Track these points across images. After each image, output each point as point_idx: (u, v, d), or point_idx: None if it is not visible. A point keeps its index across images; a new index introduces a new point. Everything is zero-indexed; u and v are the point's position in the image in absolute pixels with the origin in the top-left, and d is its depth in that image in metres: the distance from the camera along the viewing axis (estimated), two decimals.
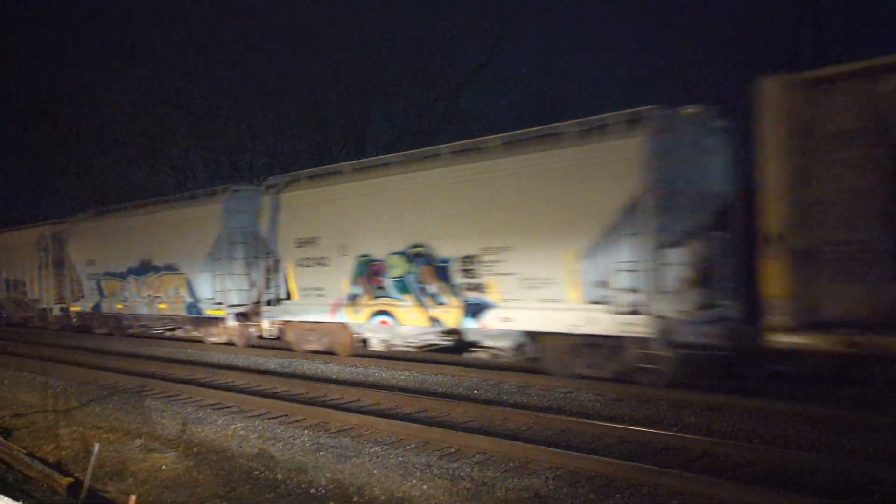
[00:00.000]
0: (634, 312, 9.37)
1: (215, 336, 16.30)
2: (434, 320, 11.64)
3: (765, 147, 8.20)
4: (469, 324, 11.18)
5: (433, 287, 11.61)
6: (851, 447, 6.94)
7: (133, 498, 5.53)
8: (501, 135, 11.20)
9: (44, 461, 7.33)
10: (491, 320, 10.84)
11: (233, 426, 8.57)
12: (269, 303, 14.41)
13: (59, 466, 7.21)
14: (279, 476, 6.70)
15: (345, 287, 12.86)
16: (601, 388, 9.77)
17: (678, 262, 9.54)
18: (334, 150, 29.96)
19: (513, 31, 31.39)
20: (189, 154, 33.16)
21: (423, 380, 11.27)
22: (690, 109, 10.01)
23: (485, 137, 11.40)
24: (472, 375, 11.24)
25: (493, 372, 11.22)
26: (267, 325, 14.62)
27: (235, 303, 15.19)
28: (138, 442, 8.05)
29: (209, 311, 15.76)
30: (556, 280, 10.11)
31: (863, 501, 5.68)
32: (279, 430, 8.31)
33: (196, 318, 16.51)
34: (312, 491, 6.30)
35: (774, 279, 7.97)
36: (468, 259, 11.03)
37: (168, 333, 18.98)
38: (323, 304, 13.26)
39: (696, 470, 6.31)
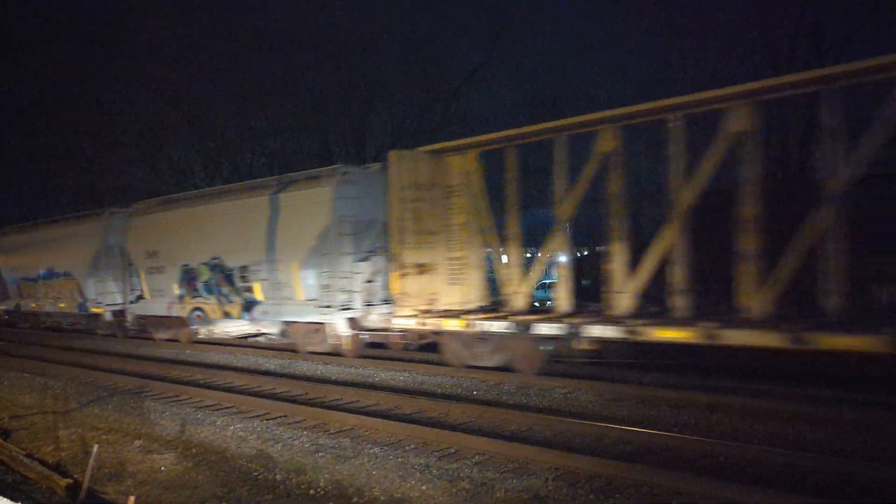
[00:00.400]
0: (328, 306, 13.04)
1: (100, 329, 19.79)
2: (227, 314, 15.43)
3: (391, 196, 11.86)
4: (246, 316, 15.02)
5: (225, 289, 15.26)
6: (851, 447, 6.93)
7: (132, 499, 5.53)
8: (270, 178, 15.58)
9: (43, 462, 7.33)
10: (258, 313, 14.70)
11: (232, 427, 8.56)
12: (132, 302, 18.09)
13: (58, 467, 7.21)
14: (278, 477, 6.69)
15: (175, 289, 16.52)
16: (601, 389, 9.77)
17: (364, 272, 13.12)
18: (334, 150, 29.95)
19: (512, 30, 31.41)
20: (188, 154, 33.16)
21: (423, 381, 11.27)
22: (374, 165, 13.85)
23: (261, 179, 15.94)
24: (471, 376, 11.23)
25: (492, 373, 11.22)
26: (130, 319, 18.43)
27: (111, 302, 18.89)
28: (137, 443, 8.05)
29: (93, 309, 19.36)
30: (290, 284, 13.77)
31: (863, 501, 5.67)
32: (278, 431, 8.30)
33: (86, 315, 20.00)
34: (311, 492, 6.30)
35: (394, 283, 11.87)
36: (244, 268, 14.71)
37: (69, 327, 21.66)
38: (164, 301, 16.93)
39: (695, 470, 6.31)
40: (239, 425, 8.62)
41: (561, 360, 11.45)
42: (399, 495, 6.09)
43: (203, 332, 17.05)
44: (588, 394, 9.68)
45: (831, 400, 8.44)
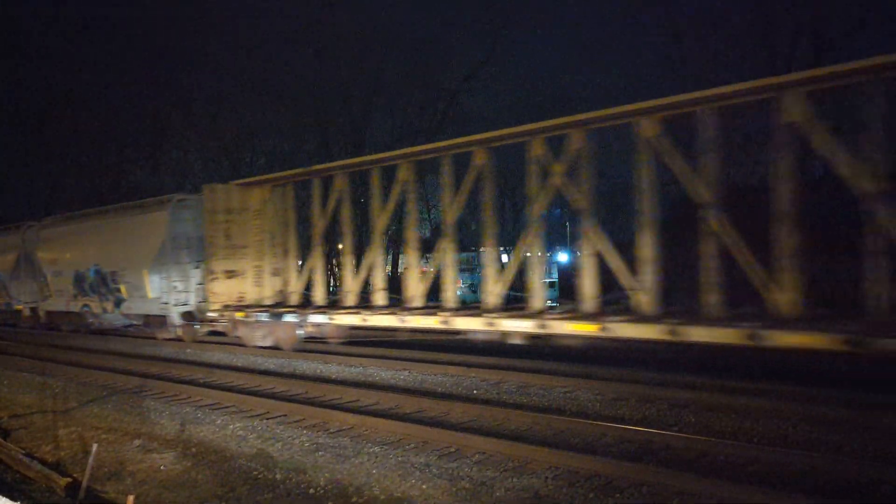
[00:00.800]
0: (167, 303, 16.90)
1: (23, 322, 23.12)
2: (105, 309, 19.16)
3: (205, 219, 15.15)
4: (117, 311, 18.79)
5: (103, 289, 18.93)
6: (851, 447, 6.93)
7: (131, 498, 5.52)
8: (132, 202, 19.48)
9: (42, 461, 7.32)
10: (125, 308, 18.50)
11: (232, 426, 8.55)
12: (42, 300, 21.65)
13: (57, 467, 7.20)
14: (278, 476, 6.69)
15: (70, 289, 20.18)
16: (601, 388, 9.77)
17: (197, 276, 16.64)
18: (334, 150, 29.94)
19: (512, 29, 31.43)
20: (189, 154, 33.15)
21: (423, 380, 11.26)
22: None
23: (127, 203, 19.75)
24: (471, 375, 11.23)
25: (492, 371, 11.23)
26: (42, 314, 21.89)
27: (28, 300, 22.42)
28: (137, 442, 8.04)
29: (16, 307, 23.19)
30: (143, 285, 17.47)
31: (863, 501, 5.67)
32: (278, 430, 8.30)
33: (11, 311, 23.61)
34: (311, 491, 6.29)
35: (209, 287, 15.19)
36: (114, 273, 18.43)
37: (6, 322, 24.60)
38: (64, 299, 20.59)
39: (696, 470, 6.30)
40: (239, 424, 8.61)
41: (313, 341, 14.85)
42: (399, 494, 6.08)
43: (96, 324, 20.33)
44: (588, 393, 9.68)
45: (831, 399, 8.43)
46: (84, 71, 32.19)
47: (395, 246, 28.19)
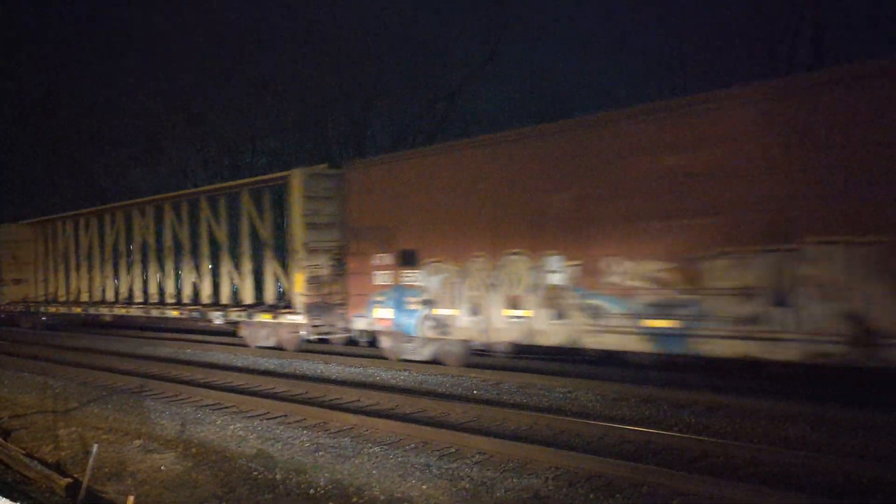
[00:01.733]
0: None
1: None
2: None
3: (1, 245, 23.73)
4: None
5: None
6: (851, 447, 6.93)
7: (132, 498, 5.53)
8: None
9: (42, 462, 7.32)
10: None
11: (232, 426, 8.55)
12: None
13: (57, 467, 7.20)
14: (278, 476, 6.69)
15: None
16: (602, 389, 9.77)
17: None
18: (334, 150, 29.93)
19: (513, 29, 31.37)
20: (188, 154, 33.15)
21: (423, 380, 11.27)
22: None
23: None
24: (471, 376, 11.23)
25: (492, 372, 11.23)
26: None
27: None
28: (137, 442, 8.04)
29: None
30: None
31: (863, 501, 5.67)
32: (278, 431, 8.30)
33: None
34: (311, 491, 6.29)
35: (2, 289, 23.46)
36: None
37: None
38: None
39: (696, 470, 6.30)
40: (239, 424, 8.62)
41: (35, 327, 23.17)
42: (399, 494, 6.09)
43: None
44: (589, 393, 9.68)
45: (831, 400, 8.43)
46: (84, 70, 32.21)
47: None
